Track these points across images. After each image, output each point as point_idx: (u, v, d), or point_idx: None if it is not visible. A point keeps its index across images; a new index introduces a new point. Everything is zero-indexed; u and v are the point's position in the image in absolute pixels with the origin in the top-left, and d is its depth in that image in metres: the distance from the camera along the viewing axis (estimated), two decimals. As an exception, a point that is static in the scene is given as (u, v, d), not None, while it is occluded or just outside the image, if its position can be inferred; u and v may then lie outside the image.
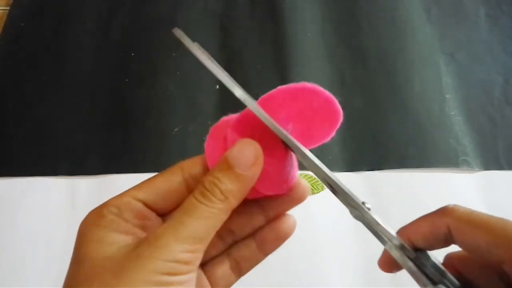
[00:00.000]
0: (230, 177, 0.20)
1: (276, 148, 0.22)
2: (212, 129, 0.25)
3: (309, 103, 0.23)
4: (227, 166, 0.21)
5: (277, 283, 0.42)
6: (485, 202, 0.46)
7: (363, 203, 0.22)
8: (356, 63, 0.55)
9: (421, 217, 0.22)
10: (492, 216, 0.20)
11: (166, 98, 0.52)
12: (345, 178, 0.47)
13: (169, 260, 0.18)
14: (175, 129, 0.50)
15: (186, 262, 0.19)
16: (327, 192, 0.46)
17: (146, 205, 0.22)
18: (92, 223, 0.20)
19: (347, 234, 0.44)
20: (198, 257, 0.20)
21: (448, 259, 0.23)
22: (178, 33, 0.22)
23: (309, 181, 0.47)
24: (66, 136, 0.50)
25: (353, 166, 0.48)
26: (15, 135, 0.50)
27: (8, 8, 0.59)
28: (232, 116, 0.25)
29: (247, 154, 0.21)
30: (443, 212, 0.21)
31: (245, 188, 0.21)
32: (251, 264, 0.25)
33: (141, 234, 0.21)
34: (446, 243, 0.21)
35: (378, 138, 0.50)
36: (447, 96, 0.52)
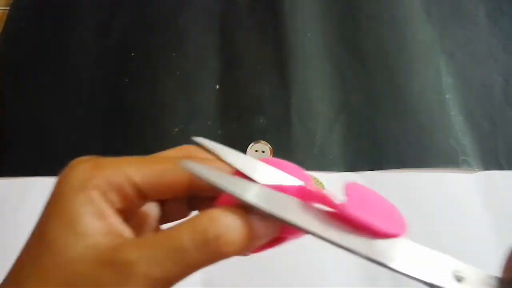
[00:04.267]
0: (241, 239, 0.18)
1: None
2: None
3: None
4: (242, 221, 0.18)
5: (278, 283, 0.42)
6: (485, 202, 0.46)
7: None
8: (356, 63, 0.55)
9: None
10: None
11: (166, 98, 0.52)
12: (345, 178, 0.48)
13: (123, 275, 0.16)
14: (175, 129, 0.50)
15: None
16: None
17: (140, 190, 0.19)
18: (75, 188, 0.18)
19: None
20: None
21: None
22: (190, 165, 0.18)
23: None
24: (66, 136, 0.50)
25: (353, 166, 0.48)
26: (15, 135, 0.50)
27: (8, 8, 0.59)
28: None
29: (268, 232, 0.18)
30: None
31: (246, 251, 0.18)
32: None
33: (115, 226, 0.18)
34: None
35: (378, 138, 0.50)
36: (447, 96, 0.52)
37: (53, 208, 0.18)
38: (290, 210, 0.18)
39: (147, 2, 0.59)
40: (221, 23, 0.58)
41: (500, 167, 0.48)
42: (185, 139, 0.49)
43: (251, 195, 0.18)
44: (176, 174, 0.20)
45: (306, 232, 0.18)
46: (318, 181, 0.47)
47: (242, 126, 0.50)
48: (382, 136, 0.50)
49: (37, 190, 0.47)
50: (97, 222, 0.18)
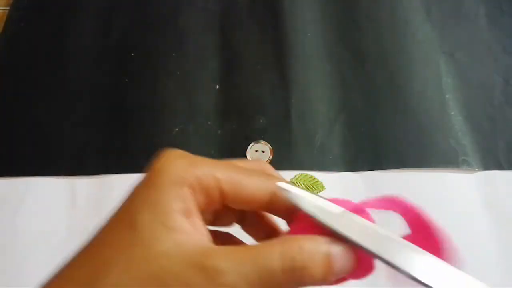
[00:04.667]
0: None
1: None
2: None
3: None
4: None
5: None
6: (485, 202, 0.46)
7: None
8: (356, 63, 0.55)
9: None
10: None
11: (166, 98, 0.52)
12: (345, 178, 0.48)
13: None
14: (175, 129, 0.50)
15: None
16: (326, 192, 0.46)
17: (223, 193, 0.19)
18: (171, 182, 0.18)
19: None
20: None
21: None
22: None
23: (308, 181, 0.47)
24: (66, 136, 0.50)
25: (353, 166, 0.48)
26: (15, 135, 0.50)
27: (8, 8, 0.59)
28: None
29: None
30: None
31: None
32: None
33: (200, 226, 0.19)
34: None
35: (378, 138, 0.50)
36: (447, 96, 0.52)
37: (146, 197, 0.18)
38: (395, 251, 0.18)
39: (147, 2, 0.60)
40: (221, 23, 0.58)
41: (500, 167, 0.48)
42: (185, 139, 0.49)
43: (355, 233, 0.18)
44: (261, 188, 0.20)
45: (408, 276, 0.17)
46: (318, 181, 0.47)
47: (242, 126, 0.50)
48: (382, 136, 0.50)
49: (37, 190, 0.47)
50: (186, 220, 0.18)
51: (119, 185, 0.46)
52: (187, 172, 0.18)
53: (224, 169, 0.19)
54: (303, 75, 0.54)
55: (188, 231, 0.18)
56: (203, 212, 0.19)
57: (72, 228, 0.44)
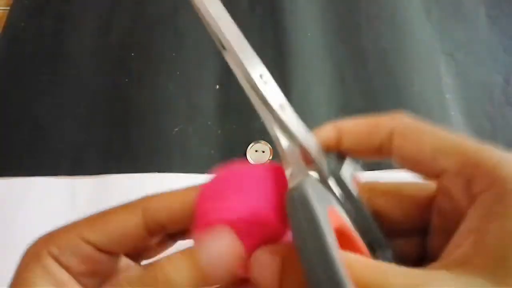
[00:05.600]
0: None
1: None
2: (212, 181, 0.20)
3: None
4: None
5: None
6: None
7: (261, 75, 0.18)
8: (356, 63, 0.55)
9: (361, 117, 0.20)
10: (437, 127, 0.18)
11: (166, 98, 0.52)
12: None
13: None
14: (175, 129, 0.50)
15: None
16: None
17: (97, 248, 0.19)
18: (26, 266, 0.19)
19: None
20: None
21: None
22: None
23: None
24: (66, 136, 0.50)
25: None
26: (15, 135, 0.50)
27: (8, 8, 0.59)
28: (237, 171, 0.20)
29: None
30: (390, 116, 0.19)
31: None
32: None
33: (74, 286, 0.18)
34: (377, 153, 0.19)
35: (378, 138, 0.50)
36: (447, 96, 0.52)
37: (14, 286, 0.18)
38: None
39: (147, 2, 0.59)
40: (221, 23, 0.58)
41: (500, 167, 0.48)
42: (185, 139, 0.49)
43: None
44: (130, 222, 0.19)
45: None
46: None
47: (242, 126, 0.50)
48: (382, 136, 0.50)
49: (37, 190, 0.47)
50: (46, 282, 0.18)
51: (119, 185, 0.46)
52: (46, 245, 0.19)
53: (89, 223, 0.19)
54: (303, 75, 0.54)
55: None
56: (95, 269, 0.19)
57: (72, 228, 0.44)
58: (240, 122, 0.51)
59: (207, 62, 0.55)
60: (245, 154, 0.48)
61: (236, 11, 0.60)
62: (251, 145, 0.49)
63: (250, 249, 0.18)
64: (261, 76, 0.18)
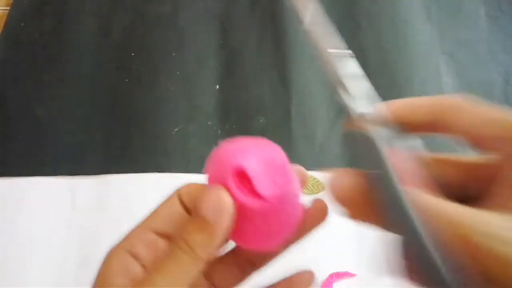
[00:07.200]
0: (196, 228, 0.20)
1: (257, 201, 0.20)
2: (213, 156, 0.22)
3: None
4: (195, 216, 0.20)
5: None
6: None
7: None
8: (356, 63, 0.55)
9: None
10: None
11: (166, 98, 0.52)
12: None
13: None
14: (175, 129, 0.50)
15: None
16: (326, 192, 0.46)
17: (157, 232, 0.22)
18: (107, 261, 0.21)
19: (347, 234, 0.44)
20: None
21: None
22: None
23: (308, 181, 0.47)
24: (66, 136, 0.50)
25: (353, 166, 0.48)
26: (15, 135, 0.50)
27: (8, 8, 0.59)
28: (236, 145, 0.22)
29: (213, 203, 0.20)
30: (448, 96, 0.20)
31: (214, 240, 0.20)
32: None
33: (139, 275, 0.21)
34: (438, 128, 0.20)
35: (378, 138, 0.50)
36: (447, 96, 0.52)
37: (97, 276, 0.21)
38: None
39: (147, 2, 0.59)
40: (221, 23, 0.58)
41: (500, 167, 0.48)
42: (185, 139, 0.49)
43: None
44: (172, 208, 0.22)
45: None
46: (318, 181, 0.47)
47: (242, 126, 0.50)
48: (382, 136, 0.50)
49: (37, 190, 0.47)
50: (124, 279, 0.20)
51: (119, 185, 0.46)
52: (121, 242, 0.22)
53: (149, 217, 0.22)
54: (303, 75, 0.54)
55: (125, 283, 0.20)
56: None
57: (72, 228, 0.44)
58: (240, 122, 0.51)
59: (207, 62, 0.55)
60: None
61: (236, 11, 0.61)
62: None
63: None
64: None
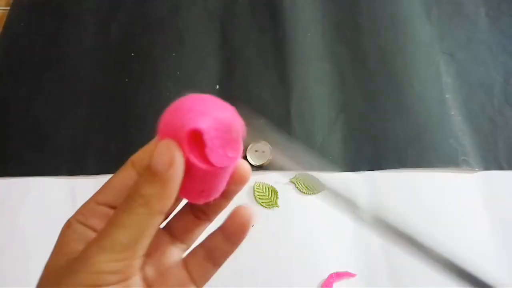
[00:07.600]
0: (149, 181, 0.20)
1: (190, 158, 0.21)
2: (165, 114, 0.23)
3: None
4: (147, 169, 0.20)
5: (275, 283, 0.42)
6: (485, 202, 0.46)
7: None
8: (356, 63, 0.55)
9: None
10: None
11: (166, 98, 0.52)
12: (345, 178, 0.48)
13: (92, 272, 0.19)
14: (175, 129, 0.50)
15: (112, 272, 0.19)
16: (326, 192, 0.46)
17: (109, 206, 0.22)
18: (62, 233, 0.22)
19: (346, 234, 0.44)
20: (129, 265, 0.20)
21: None
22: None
23: (308, 181, 0.47)
24: (66, 136, 0.50)
25: (353, 166, 0.48)
26: (15, 135, 0.50)
27: (8, 8, 0.59)
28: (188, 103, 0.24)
29: (163, 155, 0.20)
30: None
31: (167, 191, 0.20)
32: (224, 254, 0.24)
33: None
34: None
35: (378, 138, 0.50)
36: (447, 96, 0.52)
37: (53, 249, 0.22)
38: None
39: (147, 2, 0.59)
40: (221, 23, 0.58)
41: (500, 167, 0.48)
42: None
43: None
44: (126, 177, 0.23)
45: None
46: (318, 181, 0.47)
47: (242, 126, 0.50)
48: (382, 136, 0.50)
49: (37, 190, 0.47)
50: (81, 244, 0.21)
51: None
52: (74, 216, 0.23)
53: (100, 190, 0.23)
54: (303, 75, 0.54)
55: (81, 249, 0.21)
56: None
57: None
58: (240, 122, 0.51)
59: (207, 62, 0.55)
60: (245, 154, 0.48)
61: (236, 11, 0.61)
62: (251, 145, 0.49)
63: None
64: None
